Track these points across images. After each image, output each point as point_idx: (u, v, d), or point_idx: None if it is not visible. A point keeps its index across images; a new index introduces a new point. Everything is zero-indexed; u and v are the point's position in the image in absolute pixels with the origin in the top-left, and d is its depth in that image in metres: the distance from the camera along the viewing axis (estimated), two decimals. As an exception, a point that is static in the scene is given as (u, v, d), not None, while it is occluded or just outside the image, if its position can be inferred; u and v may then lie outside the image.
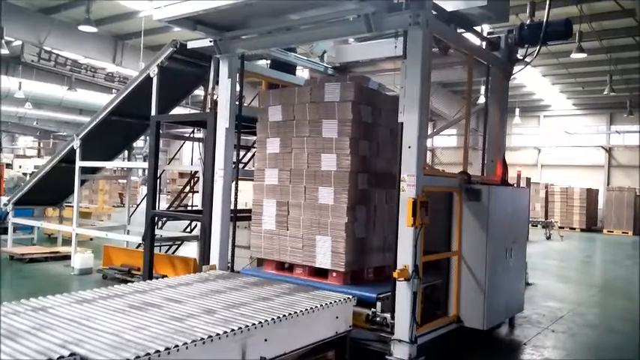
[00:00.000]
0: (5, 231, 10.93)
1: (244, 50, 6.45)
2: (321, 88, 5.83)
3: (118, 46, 18.11)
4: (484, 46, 6.76)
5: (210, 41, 6.51)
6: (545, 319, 7.27)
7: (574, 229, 24.00)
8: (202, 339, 3.47)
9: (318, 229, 5.70)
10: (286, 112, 6.07)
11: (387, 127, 6.00)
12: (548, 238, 19.43)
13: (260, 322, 3.94)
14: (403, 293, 4.99)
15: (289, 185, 5.98)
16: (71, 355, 2.94)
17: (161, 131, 7.67)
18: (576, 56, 14.88)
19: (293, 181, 5.96)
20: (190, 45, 7.46)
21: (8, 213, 10.82)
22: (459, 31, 6.17)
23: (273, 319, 4.07)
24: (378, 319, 5.23)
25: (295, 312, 4.32)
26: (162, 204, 14.65)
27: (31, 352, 2.96)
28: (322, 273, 5.71)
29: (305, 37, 6.22)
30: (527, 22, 6.70)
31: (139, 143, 16.48)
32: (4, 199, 11.45)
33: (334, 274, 5.59)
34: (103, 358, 3.02)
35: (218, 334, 3.59)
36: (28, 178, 14.93)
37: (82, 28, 13.83)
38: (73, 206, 9.88)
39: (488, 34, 7.19)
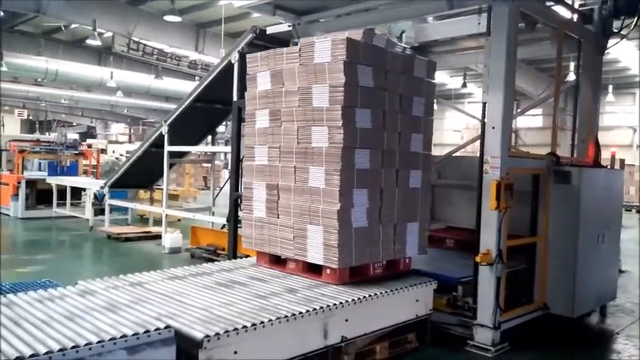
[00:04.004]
0: (103, 212, 11.79)
1: (322, 34, 6.47)
2: (310, 47, 4.76)
3: (199, 34, 18.72)
4: (575, 20, 6.35)
5: (289, 26, 6.59)
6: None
7: (673, 214, 22.13)
8: (286, 316, 3.60)
9: (309, 217, 4.69)
10: (275, 78, 5.03)
11: (395, 93, 4.88)
12: (645, 223, 18.08)
13: (341, 303, 4.01)
14: (486, 278, 4.89)
15: (279, 165, 4.99)
16: (166, 327, 3.14)
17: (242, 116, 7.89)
18: (680, 26, 13.57)
19: (282, 160, 4.95)
20: (270, 30, 7.57)
21: (105, 195, 11.64)
22: (548, 4, 5.83)
23: (354, 299, 4.13)
24: (459, 303, 5.17)
25: (376, 294, 4.35)
26: (243, 187, 15.09)
27: (130, 323, 3.21)
28: (317, 269, 4.74)
29: (384, 17, 6.14)
30: (625, -10, 6.18)
31: (221, 128, 17.00)
32: (101, 181, 12.32)
33: (328, 271, 4.62)
34: (194, 331, 3.21)
35: (301, 313, 3.70)
36: (120, 162, 15.94)
37: (167, 18, 14.46)
38: (162, 189, 10.45)
39: (580, 5, 6.75)
